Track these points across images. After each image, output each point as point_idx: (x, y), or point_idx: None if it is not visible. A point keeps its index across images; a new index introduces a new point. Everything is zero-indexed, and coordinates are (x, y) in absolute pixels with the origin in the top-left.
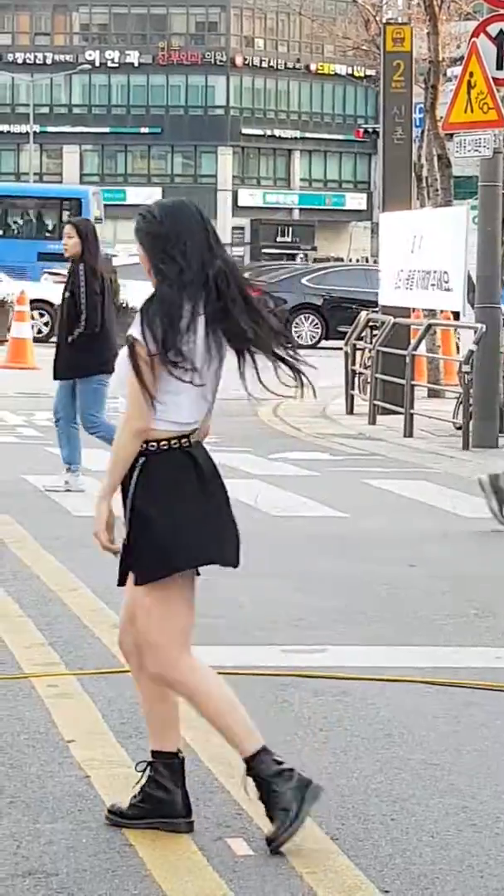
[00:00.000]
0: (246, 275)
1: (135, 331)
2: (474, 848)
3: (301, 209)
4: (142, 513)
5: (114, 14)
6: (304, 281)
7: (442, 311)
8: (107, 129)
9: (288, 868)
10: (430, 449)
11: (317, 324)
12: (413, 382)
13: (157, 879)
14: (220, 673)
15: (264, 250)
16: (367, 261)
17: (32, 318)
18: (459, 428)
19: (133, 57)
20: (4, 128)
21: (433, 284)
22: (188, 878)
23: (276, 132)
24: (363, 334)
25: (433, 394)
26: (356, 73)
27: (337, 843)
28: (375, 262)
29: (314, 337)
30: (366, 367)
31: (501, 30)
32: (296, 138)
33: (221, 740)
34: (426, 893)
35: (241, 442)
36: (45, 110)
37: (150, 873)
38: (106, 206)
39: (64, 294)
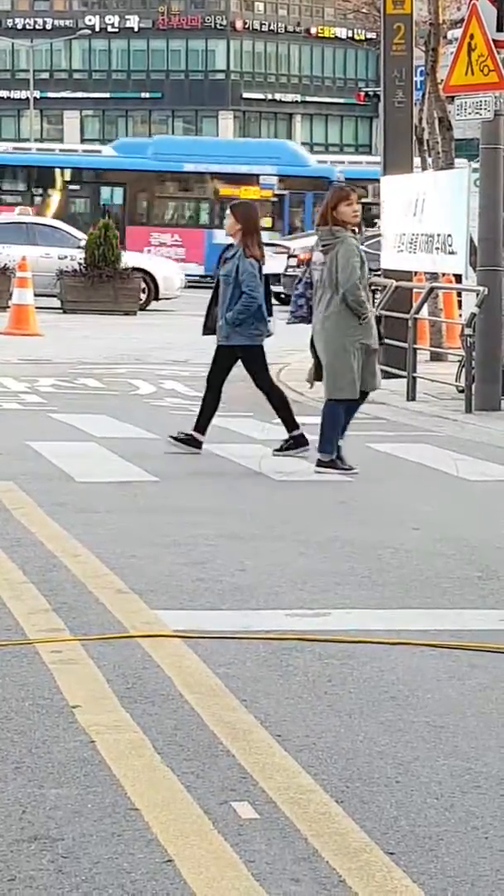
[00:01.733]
0: None
1: None
2: (479, 809)
3: None
4: None
5: None
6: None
7: (444, 275)
8: (107, 95)
9: (293, 831)
10: (432, 412)
11: None
12: (415, 346)
13: (163, 843)
14: (223, 637)
15: None
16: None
17: None
18: (462, 391)
19: (133, 21)
20: (4, 93)
21: (437, 248)
22: (193, 842)
23: (277, 96)
24: None
25: (436, 357)
26: (356, 37)
27: (342, 806)
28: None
29: None
30: None
31: None
32: (296, 102)
33: (227, 703)
34: (431, 855)
35: (244, 407)
36: (46, 76)
37: (155, 837)
38: None
39: None
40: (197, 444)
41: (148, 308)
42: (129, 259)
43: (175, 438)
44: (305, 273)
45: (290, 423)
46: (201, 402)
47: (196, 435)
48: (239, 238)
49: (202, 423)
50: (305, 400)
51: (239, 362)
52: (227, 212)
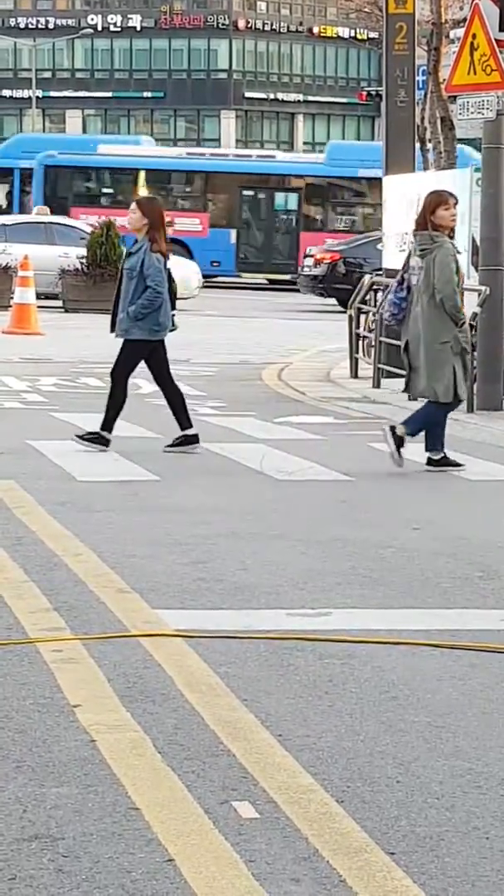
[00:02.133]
0: None
1: None
2: (479, 810)
3: None
4: None
5: None
6: (378, 247)
7: None
8: (109, 94)
9: (293, 831)
10: None
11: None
12: None
13: (163, 842)
14: (224, 637)
15: None
16: None
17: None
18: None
19: (135, 21)
20: (7, 93)
21: None
22: (194, 841)
23: (279, 95)
24: (367, 297)
25: None
26: (359, 36)
27: (342, 806)
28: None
29: None
30: (370, 331)
31: None
32: (299, 101)
33: (227, 703)
34: (431, 855)
35: (245, 406)
36: (48, 75)
37: (155, 836)
38: None
39: None
40: (193, 440)
41: None
42: None
43: (173, 445)
44: (406, 277)
45: (109, 424)
46: (169, 406)
47: (187, 432)
48: (145, 232)
49: (181, 419)
50: (306, 399)
51: (167, 346)
52: (133, 206)
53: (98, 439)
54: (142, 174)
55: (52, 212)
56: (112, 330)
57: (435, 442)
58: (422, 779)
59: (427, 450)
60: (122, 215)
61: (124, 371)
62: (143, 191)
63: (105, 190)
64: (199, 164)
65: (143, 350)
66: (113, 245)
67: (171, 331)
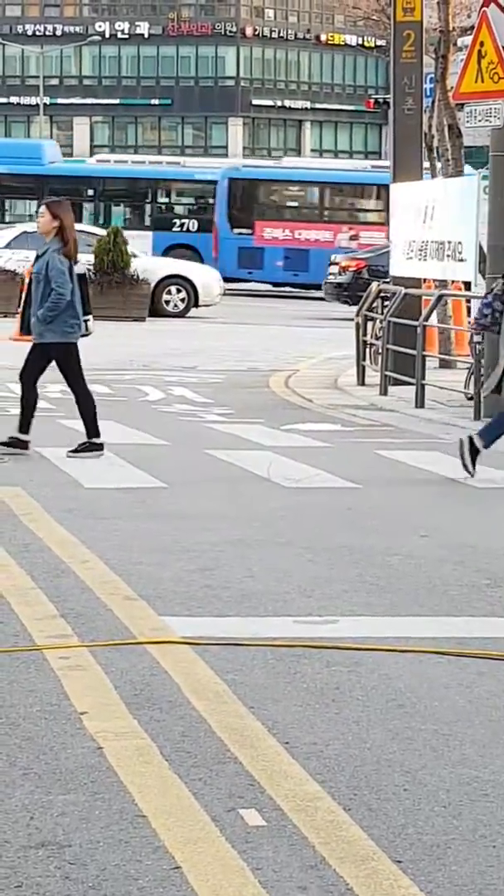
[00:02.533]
0: None
1: None
2: (486, 818)
3: None
4: None
5: None
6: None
7: (453, 282)
8: (117, 101)
9: (300, 838)
10: (441, 419)
11: None
12: (424, 353)
13: (170, 850)
14: (231, 644)
15: None
16: None
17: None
18: (471, 398)
19: (143, 28)
20: (14, 100)
21: (448, 255)
22: (201, 849)
23: (287, 103)
24: (374, 305)
25: (444, 364)
26: (366, 44)
27: (349, 814)
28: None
29: None
30: (377, 338)
31: None
32: (306, 109)
33: (234, 710)
34: (438, 863)
35: (253, 413)
36: (55, 82)
37: (162, 844)
38: None
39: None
40: (23, 445)
41: (187, 315)
42: (169, 266)
43: (2, 444)
44: (497, 285)
45: (92, 432)
46: (21, 403)
47: (20, 436)
48: (54, 235)
49: (24, 422)
50: (313, 407)
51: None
52: (42, 209)
53: (87, 447)
54: (327, 187)
55: (236, 225)
56: (22, 333)
57: (491, 435)
58: (429, 787)
59: (479, 433)
60: (306, 229)
61: (76, 375)
62: (328, 203)
63: (289, 203)
64: (384, 177)
65: (72, 350)
66: (120, 252)
67: (85, 336)
